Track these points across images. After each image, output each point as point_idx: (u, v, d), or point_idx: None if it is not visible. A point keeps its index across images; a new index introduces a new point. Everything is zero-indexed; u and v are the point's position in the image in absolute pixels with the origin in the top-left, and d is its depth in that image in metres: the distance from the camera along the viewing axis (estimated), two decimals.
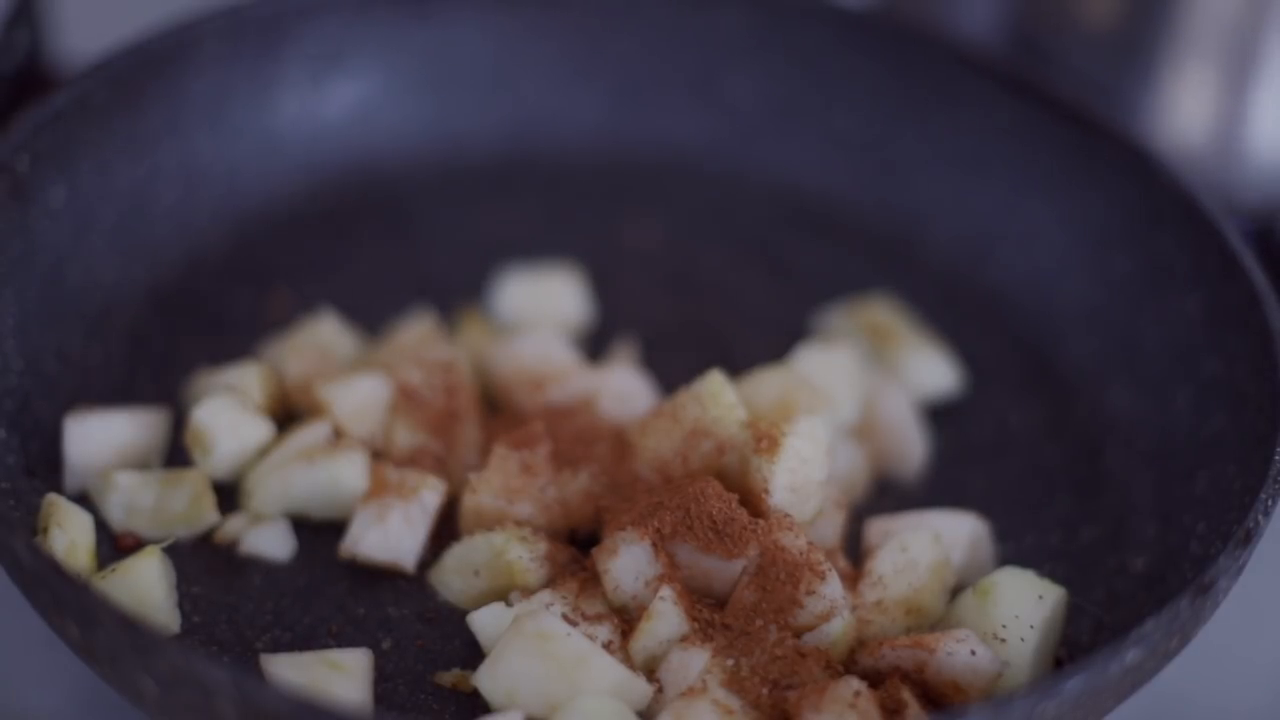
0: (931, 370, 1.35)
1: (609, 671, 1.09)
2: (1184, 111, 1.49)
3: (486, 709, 1.10)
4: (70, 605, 1.02)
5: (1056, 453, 1.32)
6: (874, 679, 1.10)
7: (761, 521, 1.14)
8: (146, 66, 1.36)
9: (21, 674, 1.21)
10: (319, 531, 1.21)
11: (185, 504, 1.19)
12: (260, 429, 1.22)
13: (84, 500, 1.19)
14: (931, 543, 1.17)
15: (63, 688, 1.20)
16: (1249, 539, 1.09)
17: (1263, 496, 1.11)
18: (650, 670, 1.11)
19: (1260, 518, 1.10)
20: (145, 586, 1.13)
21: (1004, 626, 1.13)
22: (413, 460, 1.23)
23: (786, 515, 1.15)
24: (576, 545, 1.20)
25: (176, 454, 1.24)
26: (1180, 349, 1.30)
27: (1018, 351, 1.39)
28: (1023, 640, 1.12)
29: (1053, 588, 1.15)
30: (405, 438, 1.23)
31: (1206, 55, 1.47)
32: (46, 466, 1.21)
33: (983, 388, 1.36)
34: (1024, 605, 1.13)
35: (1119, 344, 1.34)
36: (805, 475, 1.17)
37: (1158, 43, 1.48)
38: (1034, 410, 1.35)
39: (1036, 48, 1.54)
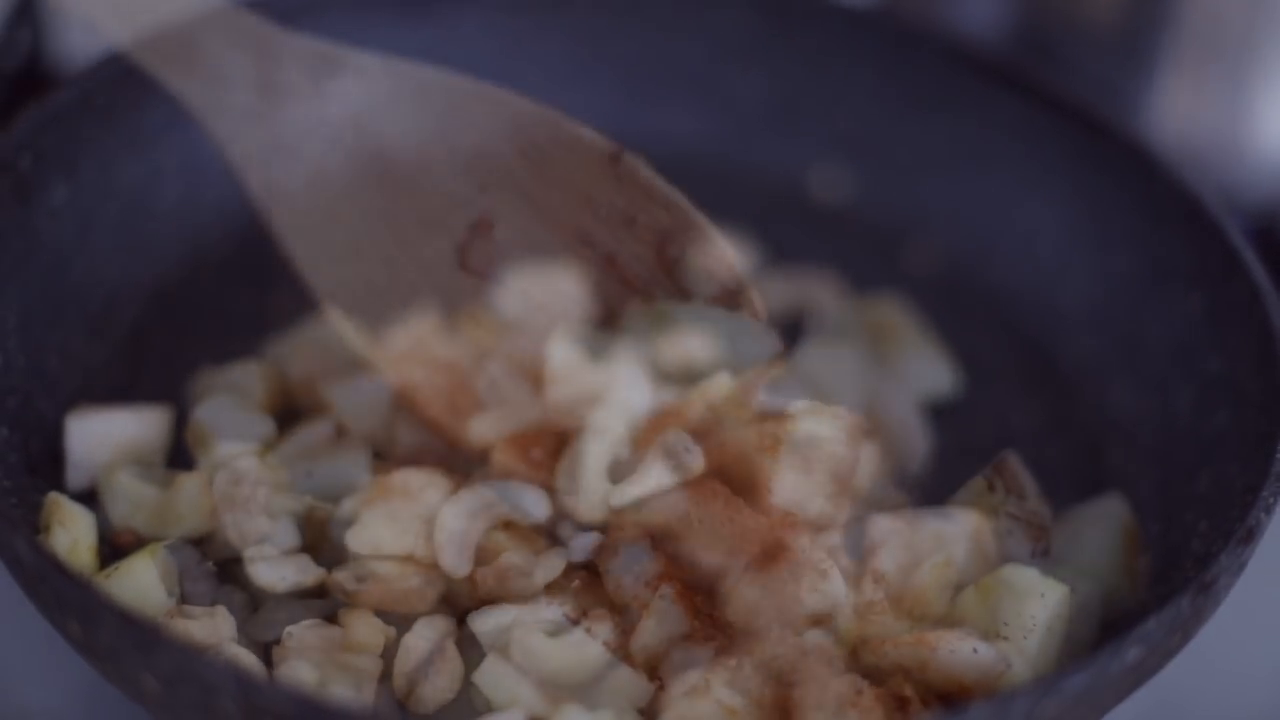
0: (927, 371, 1.35)
1: (610, 671, 1.08)
2: (1186, 109, 1.49)
3: (486, 708, 1.10)
4: (72, 603, 1.02)
5: (1057, 452, 1.32)
6: (876, 677, 1.10)
7: (764, 520, 1.14)
8: None
9: (22, 672, 1.21)
10: None
11: (184, 508, 1.18)
12: (262, 428, 1.22)
13: (86, 499, 1.19)
14: (933, 541, 1.17)
15: (64, 686, 1.20)
16: (1251, 537, 1.09)
17: (1265, 495, 1.11)
18: (652, 669, 1.11)
19: (1262, 516, 1.10)
20: (147, 584, 1.13)
21: (1006, 624, 1.13)
22: (415, 459, 1.22)
23: (788, 514, 1.15)
24: None
25: (179, 452, 1.24)
26: (1182, 347, 1.30)
27: (1018, 350, 1.39)
28: (1025, 638, 1.12)
29: (1055, 586, 1.15)
30: (408, 437, 1.23)
31: (1209, 53, 1.47)
32: (49, 465, 1.21)
33: (983, 387, 1.36)
34: (1026, 603, 1.13)
35: (1120, 342, 1.34)
36: (808, 474, 1.17)
37: (1160, 40, 1.48)
38: (1035, 409, 1.35)
39: (1038, 46, 1.54)
